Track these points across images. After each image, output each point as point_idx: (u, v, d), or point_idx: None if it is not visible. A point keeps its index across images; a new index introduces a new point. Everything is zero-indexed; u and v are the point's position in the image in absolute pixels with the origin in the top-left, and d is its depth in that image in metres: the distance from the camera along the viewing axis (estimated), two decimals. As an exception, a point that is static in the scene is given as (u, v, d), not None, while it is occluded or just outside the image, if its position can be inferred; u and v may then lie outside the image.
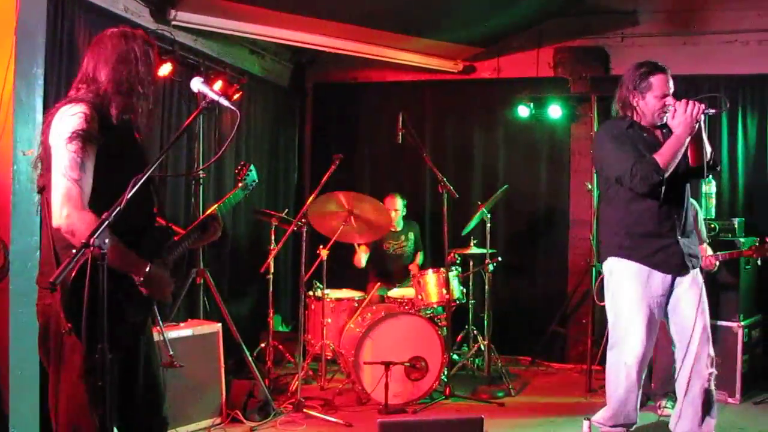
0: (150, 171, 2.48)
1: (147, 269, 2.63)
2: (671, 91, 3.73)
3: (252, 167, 3.43)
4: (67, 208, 2.50)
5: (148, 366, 2.90)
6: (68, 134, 2.53)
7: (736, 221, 5.75)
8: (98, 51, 2.76)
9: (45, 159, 2.62)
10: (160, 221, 2.94)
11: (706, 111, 3.57)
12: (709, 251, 5.23)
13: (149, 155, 3.00)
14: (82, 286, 2.35)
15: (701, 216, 5.48)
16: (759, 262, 5.14)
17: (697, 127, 3.58)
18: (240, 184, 3.36)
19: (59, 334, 2.56)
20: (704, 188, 5.97)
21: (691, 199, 4.51)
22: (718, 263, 5.20)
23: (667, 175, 3.60)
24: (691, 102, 3.55)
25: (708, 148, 3.73)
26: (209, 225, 3.03)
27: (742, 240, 5.51)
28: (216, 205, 3.13)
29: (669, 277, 3.76)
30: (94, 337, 2.35)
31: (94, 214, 2.47)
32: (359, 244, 6.46)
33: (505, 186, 6.43)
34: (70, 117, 2.57)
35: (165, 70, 5.30)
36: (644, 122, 3.80)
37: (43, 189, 2.65)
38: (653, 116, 3.75)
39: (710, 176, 4.00)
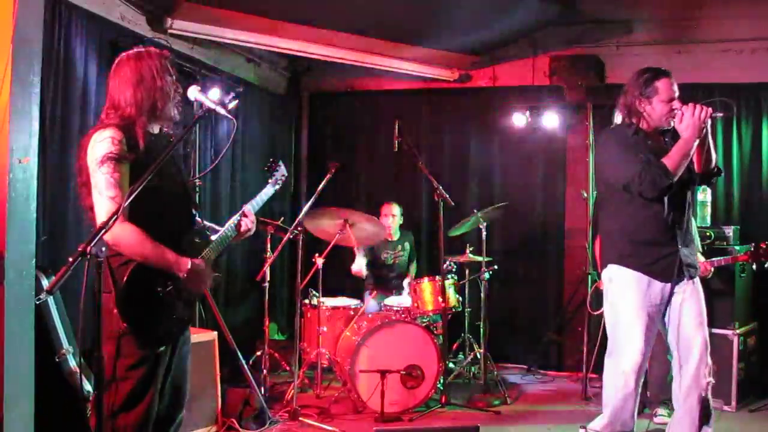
0: (146, 179, 2.56)
1: (188, 265, 2.88)
2: (677, 94, 3.72)
3: (280, 163, 3.68)
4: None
5: (181, 363, 3.10)
6: (100, 158, 2.76)
7: (730, 229, 5.77)
8: (118, 76, 2.94)
9: (87, 182, 2.84)
10: (198, 222, 3.15)
11: (713, 114, 3.56)
12: (702, 259, 5.24)
13: (181, 165, 3.25)
14: (135, 289, 2.73)
15: (695, 225, 5.49)
16: (754, 267, 5.15)
17: (704, 131, 3.58)
18: (270, 181, 3.59)
19: (113, 332, 2.77)
20: (699, 196, 5.98)
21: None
22: (713, 269, 5.21)
23: (676, 179, 3.60)
24: (698, 105, 3.55)
25: (714, 154, 3.74)
26: (240, 221, 3.20)
27: (736, 248, 5.52)
28: (249, 204, 3.31)
29: (668, 285, 3.75)
30: (146, 334, 2.79)
31: (134, 225, 2.76)
32: (357, 248, 6.45)
33: (505, 203, 6.44)
34: (100, 143, 2.79)
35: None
36: (650, 128, 3.80)
37: (91, 208, 2.85)
38: (661, 120, 3.73)
39: (714, 182, 3.98)
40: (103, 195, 2.76)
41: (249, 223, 3.22)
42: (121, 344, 2.79)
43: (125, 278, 2.75)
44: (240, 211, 3.24)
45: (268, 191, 3.52)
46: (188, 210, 3.09)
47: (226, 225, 3.18)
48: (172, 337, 2.96)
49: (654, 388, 5.20)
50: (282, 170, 3.66)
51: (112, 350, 2.79)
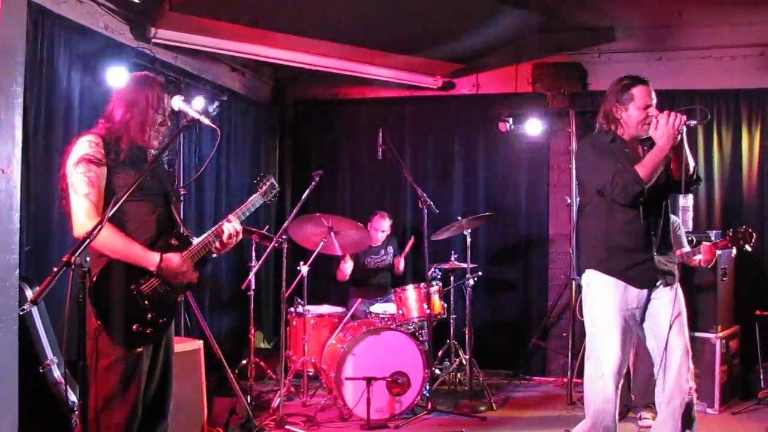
0: (131, 189, 2.60)
1: (158, 259, 2.97)
2: (654, 102, 3.74)
3: (270, 176, 3.60)
4: (81, 220, 2.89)
5: (165, 370, 3.16)
6: (76, 159, 2.93)
7: (713, 234, 5.82)
8: (120, 91, 3.14)
9: (66, 188, 2.98)
10: (179, 227, 3.22)
11: (687, 122, 3.57)
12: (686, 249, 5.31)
13: (164, 178, 3.27)
14: (107, 285, 2.83)
15: (682, 229, 5.54)
16: (734, 251, 5.21)
17: (679, 138, 3.59)
18: (259, 191, 3.52)
19: (91, 331, 2.86)
20: (681, 201, 6.04)
21: (671, 214, 4.52)
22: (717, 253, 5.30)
23: (648, 186, 3.63)
24: (672, 113, 3.55)
25: (691, 162, 3.76)
26: (221, 227, 3.20)
27: (718, 252, 5.56)
28: (234, 213, 3.31)
29: (644, 291, 3.78)
30: (120, 331, 2.85)
31: (109, 222, 2.80)
32: (342, 255, 6.43)
33: (490, 214, 6.50)
34: (78, 145, 2.98)
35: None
36: (628, 135, 3.82)
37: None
38: (637, 128, 3.75)
39: (692, 189, 3.99)
40: (78, 193, 2.90)
41: (231, 229, 3.20)
42: (98, 343, 2.88)
43: (96, 276, 2.87)
44: (224, 220, 3.23)
45: (255, 200, 3.46)
46: (166, 213, 3.15)
47: (209, 233, 3.19)
48: (148, 338, 2.98)
49: (639, 391, 5.24)
50: (271, 181, 3.56)
51: (91, 350, 2.86)
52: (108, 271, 2.88)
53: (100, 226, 2.48)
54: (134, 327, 2.89)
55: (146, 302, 2.95)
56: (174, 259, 3.02)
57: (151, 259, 2.96)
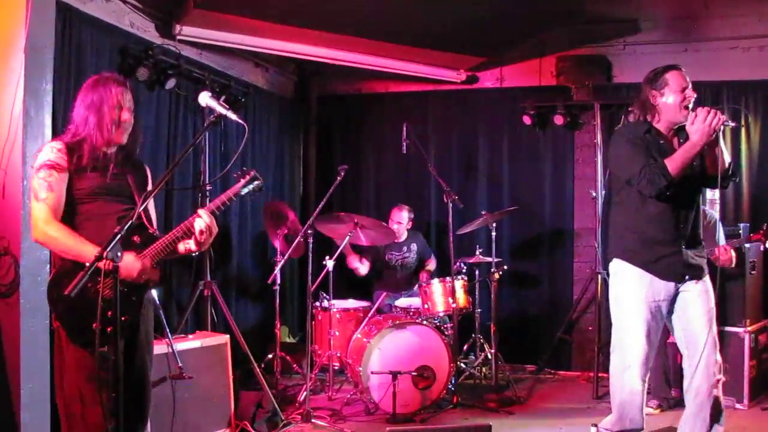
0: (159, 187, 2.62)
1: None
2: (689, 85, 3.73)
3: (253, 171, 3.28)
4: (39, 224, 2.95)
5: (141, 374, 3.12)
6: (38, 165, 2.99)
7: (741, 226, 5.76)
8: (79, 97, 3.16)
9: None
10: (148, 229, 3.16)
11: (726, 123, 3.55)
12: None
13: (137, 177, 3.26)
14: (62, 286, 2.60)
15: (720, 228, 5.47)
16: (767, 245, 5.14)
17: (714, 136, 3.56)
18: (242, 180, 3.23)
19: (53, 329, 2.97)
20: (709, 194, 5.98)
21: (708, 209, 4.44)
22: (734, 253, 5.23)
23: (675, 179, 3.60)
24: (712, 111, 3.53)
25: (727, 158, 3.72)
26: (194, 226, 3.04)
27: (747, 245, 5.51)
28: (206, 207, 3.11)
29: (671, 283, 3.77)
30: (78, 332, 2.85)
31: (66, 225, 2.94)
32: (361, 261, 6.48)
33: (515, 207, 6.49)
34: (41, 152, 3.06)
35: (170, 84, 5.39)
36: (666, 123, 3.79)
37: None
38: (675, 112, 3.72)
39: (727, 185, 3.95)
40: (37, 198, 2.95)
41: (203, 225, 3.03)
42: (62, 343, 2.92)
43: (51, 276, 2.96)
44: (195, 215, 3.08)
45: (231, 194, 3.19)
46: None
47: (175, 230, 3.07)
48: (111, 337, 2.72)
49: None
50: (252, 174, 3.24)
51: (55, 349, 2.96)
52: (62, 274, 2.88)
53: (131, 222, 2.49)
54: (92, 326, 2.70)
55: (106, 300, 2.73)
56: (128, 257, 2.89)
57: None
